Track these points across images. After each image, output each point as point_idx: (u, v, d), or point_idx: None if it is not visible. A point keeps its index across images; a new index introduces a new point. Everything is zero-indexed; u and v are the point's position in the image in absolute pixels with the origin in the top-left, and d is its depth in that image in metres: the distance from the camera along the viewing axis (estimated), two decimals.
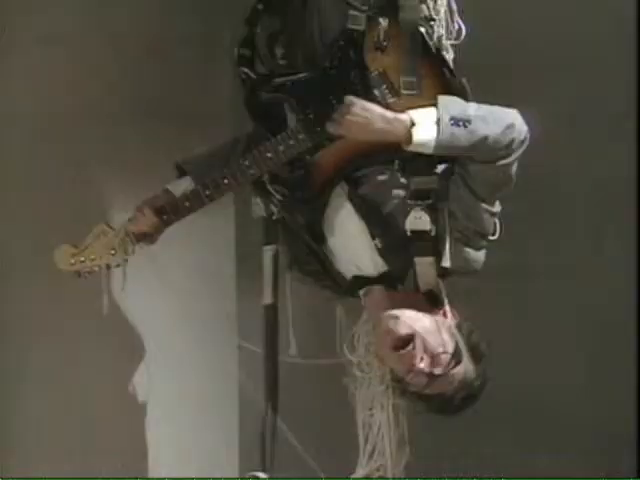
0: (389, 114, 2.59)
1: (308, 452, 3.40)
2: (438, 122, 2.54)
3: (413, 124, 2.55)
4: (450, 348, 2.62)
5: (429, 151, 2.57)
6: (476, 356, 2.65)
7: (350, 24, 2.68)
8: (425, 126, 2.55)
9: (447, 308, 2.68)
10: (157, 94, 3.46)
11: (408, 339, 2.61)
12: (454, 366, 2.61)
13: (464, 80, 2.72)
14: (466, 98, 2.66)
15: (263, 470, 2.84)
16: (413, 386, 2.64)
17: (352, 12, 2.67)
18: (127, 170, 3.36)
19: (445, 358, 2.61)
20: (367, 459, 3.02)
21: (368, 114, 2.58)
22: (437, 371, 2.60)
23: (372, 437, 3.02)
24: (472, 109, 2.58)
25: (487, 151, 2.56)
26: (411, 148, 2.57)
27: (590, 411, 3.24)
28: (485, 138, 2.54)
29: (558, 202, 3.32)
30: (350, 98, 2.59)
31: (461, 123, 2.54)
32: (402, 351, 2.62)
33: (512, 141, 2.56)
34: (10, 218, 3.22)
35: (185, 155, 3.00)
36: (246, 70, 2.78)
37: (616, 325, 3.22)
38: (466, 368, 2.63)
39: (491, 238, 2.70)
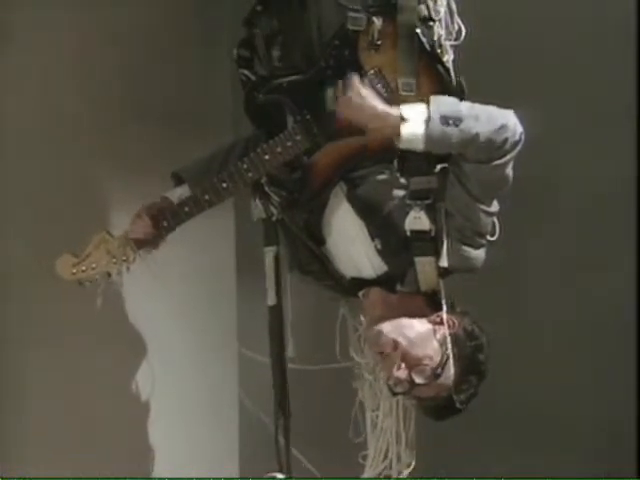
0: (381, 105, 2.59)
1: (308, 457, 3.40)
2: (428, 119, 2.54)
3: (403, 119, 2.55)
4: (437, 358, 2.63)
5: (419, 148, 2.56)
6: (468, 368, 2.65)
7: (350, 25, 2.68)
8: (415, 122, 2.55)
9: (445, 315, 2.68)
10: (157, 94, 3.46)
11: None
12: (436, 377, 2.61)
13: (461, 78, 2.72)
14: (462, 96, 2.66)
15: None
16: (398, 388, 2.66)
17: (352, 14, 2.67)
18: (127, 171, 3.37)
19: (428, 369, 2.62)
20: (375, 461, 3.02)
21: (363, 99, 2.59)
22: (418, 380, 2.62)
23: (379, 439, 3.02)
24: (465, 108, 2.57)
25: (479, 150, 2.55)
26: (401, 144, 2.57)
27: (590, 411, 3.23)
28: (477, 137, 2.52)
29: (558, 202, 3.31)
30: (353, 78, 2.60)
31: (452, 121, 2.53)
32: (383, 355, 2.65)
33: (505, 141, 2.54)
34: (10, 219, 3.22)
35: (185, 156, 3.01)
36: (246, 72, 2.78)
37: (616, 325, 3.21)
38: (452, 378, 2.63)
39: (490, 239, 2.71)
